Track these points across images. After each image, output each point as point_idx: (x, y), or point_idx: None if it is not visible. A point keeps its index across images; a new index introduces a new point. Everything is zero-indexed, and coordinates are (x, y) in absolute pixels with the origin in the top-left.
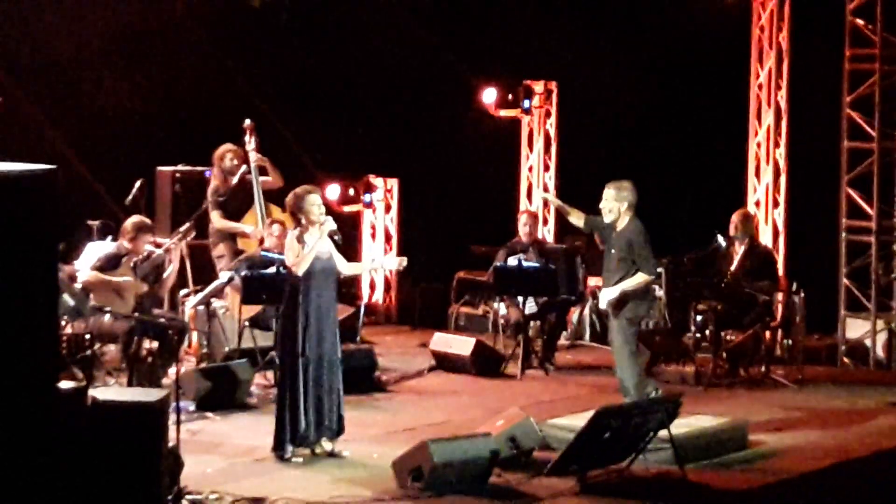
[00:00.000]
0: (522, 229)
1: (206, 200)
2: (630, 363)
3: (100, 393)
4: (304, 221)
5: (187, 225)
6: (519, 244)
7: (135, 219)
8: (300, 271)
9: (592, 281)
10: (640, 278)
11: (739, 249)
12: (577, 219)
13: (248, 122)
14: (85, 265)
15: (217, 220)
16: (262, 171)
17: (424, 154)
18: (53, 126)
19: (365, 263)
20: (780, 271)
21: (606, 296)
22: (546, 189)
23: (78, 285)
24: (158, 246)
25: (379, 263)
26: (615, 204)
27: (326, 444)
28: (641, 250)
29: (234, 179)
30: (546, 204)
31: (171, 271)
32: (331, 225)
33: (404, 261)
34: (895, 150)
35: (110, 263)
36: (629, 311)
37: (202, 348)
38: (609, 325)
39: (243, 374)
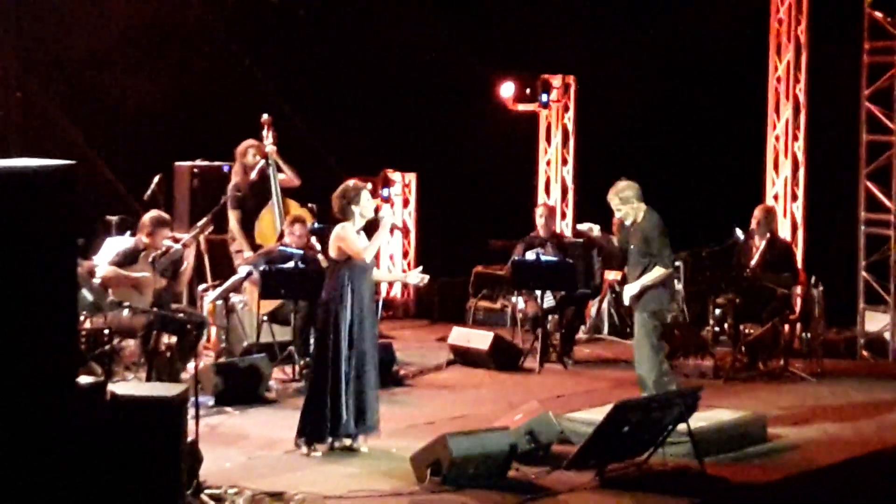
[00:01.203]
0: (539, 222)
1: (226, 196)
2: (650, 357)
3: (119, 388)
4: (356, 215)
5: (204, 220)
6: (537, 238)
7: (152, 213)
8: (369, 258)
9: (611, 275)
10: (658, 272)
11: (760, 244)
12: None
13: (265, 116)
14: (103, 261)
15: (232, 222)
16: (279, 167)
17: (442, 148)
18: (72, 122)
19: (390, 275)
20: (799, 265)
21: (629, 291)
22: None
23: (96, 281)
24: (176, 241)
25: (402, 278)
26: (624, 206)
27: (353, 440)
28: (656, 244)
29: (254, 174)
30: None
31: (186, 266)
32: (392, 218)
33: (426, 278)
34: None
35: (128, 259)
36: (652, 303)
37: (221, 343)
38: (634, 319)
39: (262, 369)
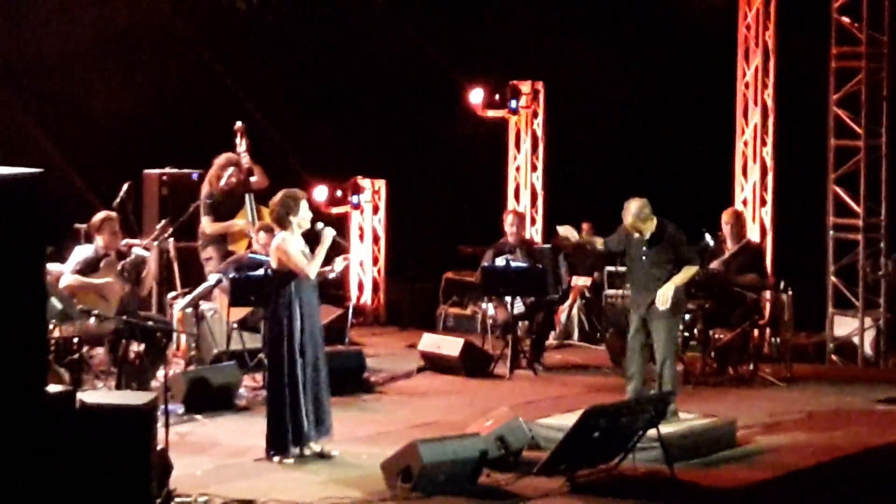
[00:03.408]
0: (509, 229)
1: (196, 203)
2: (675, 359)
3: (88, 396)
4: (294, 225)
5: (163, 222)
6: (506, 244)
7: (98, 215)
8: (313, 274)
9: (580, 281)
10: (690, 271)
11: (730, 248)
12: (600, 245)
13: (239, 124)
14: (66, 270)
15: (209, 225)
16: (250, 171)
17: (412, 155)
18: (41, 129)
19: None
20: (769, 268)
21: (664, 295)
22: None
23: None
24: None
25: (329, 268)
26: (647, 223)
27: (315, 445)
28: (685, 248)
29: (222, 182)
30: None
31: (148, 270)
32: (332, 231)
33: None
34: (881, 148)
35: (89, 266)
36: (683, 307)
37: (191, 350)
38: (651, 324)
39: (232, 377)
